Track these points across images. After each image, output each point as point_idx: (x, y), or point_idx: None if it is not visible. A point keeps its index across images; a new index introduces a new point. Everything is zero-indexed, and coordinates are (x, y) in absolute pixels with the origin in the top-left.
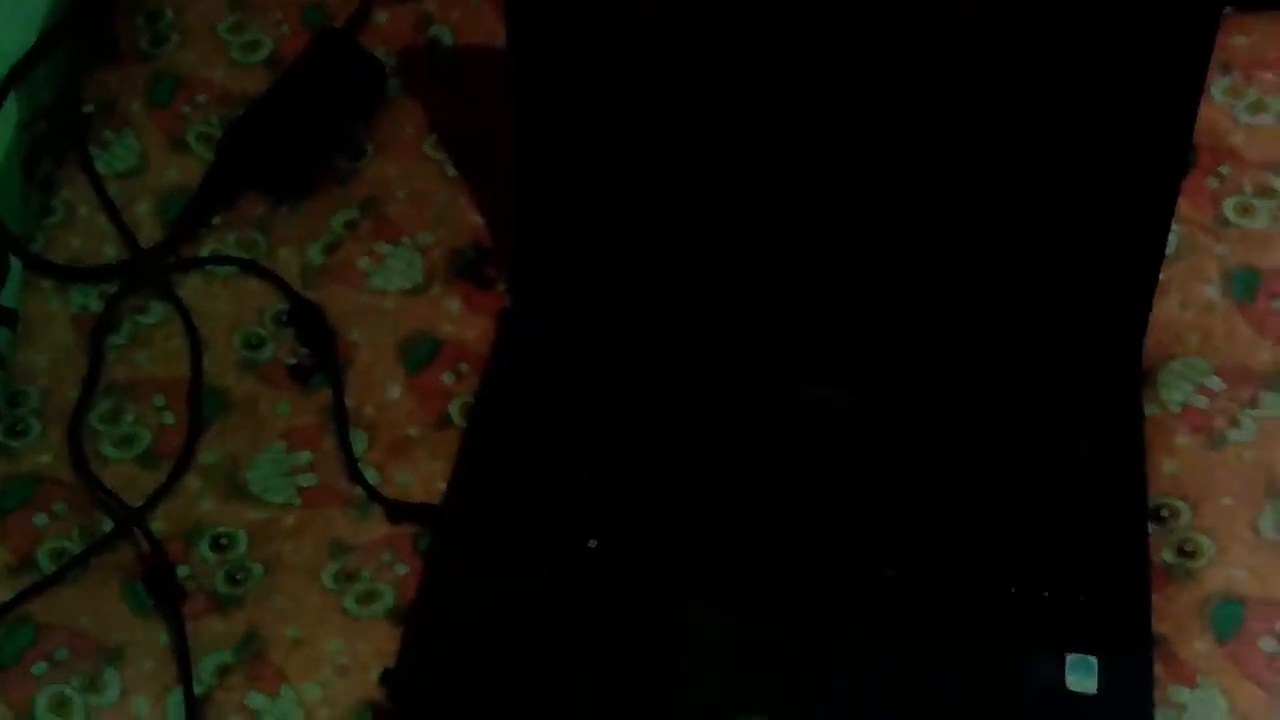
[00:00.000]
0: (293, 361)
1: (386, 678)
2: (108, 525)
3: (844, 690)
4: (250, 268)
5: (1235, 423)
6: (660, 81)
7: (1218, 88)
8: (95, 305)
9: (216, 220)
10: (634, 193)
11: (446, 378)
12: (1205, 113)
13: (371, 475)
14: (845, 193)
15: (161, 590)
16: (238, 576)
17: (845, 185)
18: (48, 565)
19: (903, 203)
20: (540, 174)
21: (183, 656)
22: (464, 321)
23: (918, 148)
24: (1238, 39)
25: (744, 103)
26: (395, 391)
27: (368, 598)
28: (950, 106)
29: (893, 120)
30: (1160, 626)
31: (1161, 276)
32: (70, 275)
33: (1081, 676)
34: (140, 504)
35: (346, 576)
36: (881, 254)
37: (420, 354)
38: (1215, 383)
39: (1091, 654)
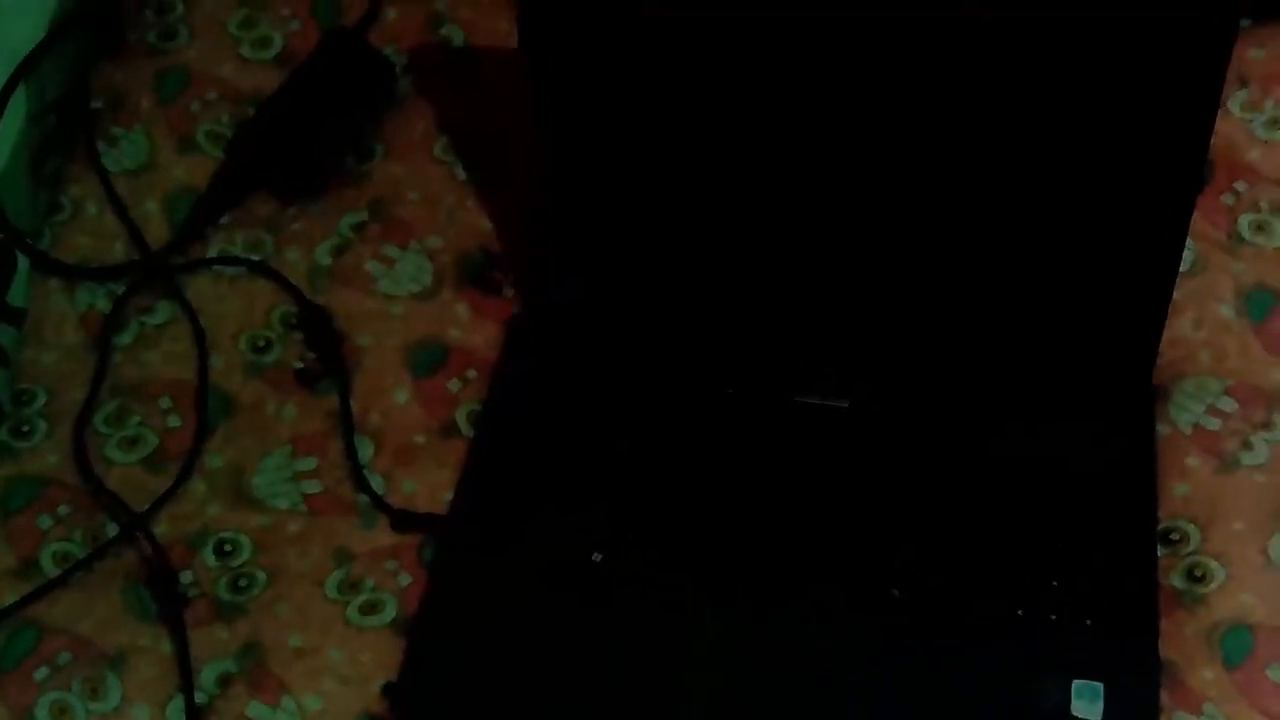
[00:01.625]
0: (300, 365)
1: (389, 690)
2: (112, 529)
3: (848, 706)
4: (258, 269)
5: (1247, 445)
6: (670, 81)
7: (1235, 102)
8: (103, 305)
9: (224, 220)
10: (645, 196)
11: (453, 384)
12: (1222, 127)
13: (377, 483)
14: (856, 203)
15: (164, 597)
16: (241, 583)
17: (857, 196)
18: (51, 568)
19: (913, 217)
20: (554, 181)
21: (184, 664)
22: (472, 327)
23: (929, 157)
24: (1255, 52)
25: (762, 101)
26: (402, 397)
27: (371, 608)
28: (964, 120)
29: (907, 132)
30: (1168, 652)
31: (1175, 294)
32: (78, 274)
33: (1087, 702)
34: (145, 508)
35: (350, 586)
36: (888, 273)
37: (428, 360)
38: (1228, 404)
39: (1098, 679)
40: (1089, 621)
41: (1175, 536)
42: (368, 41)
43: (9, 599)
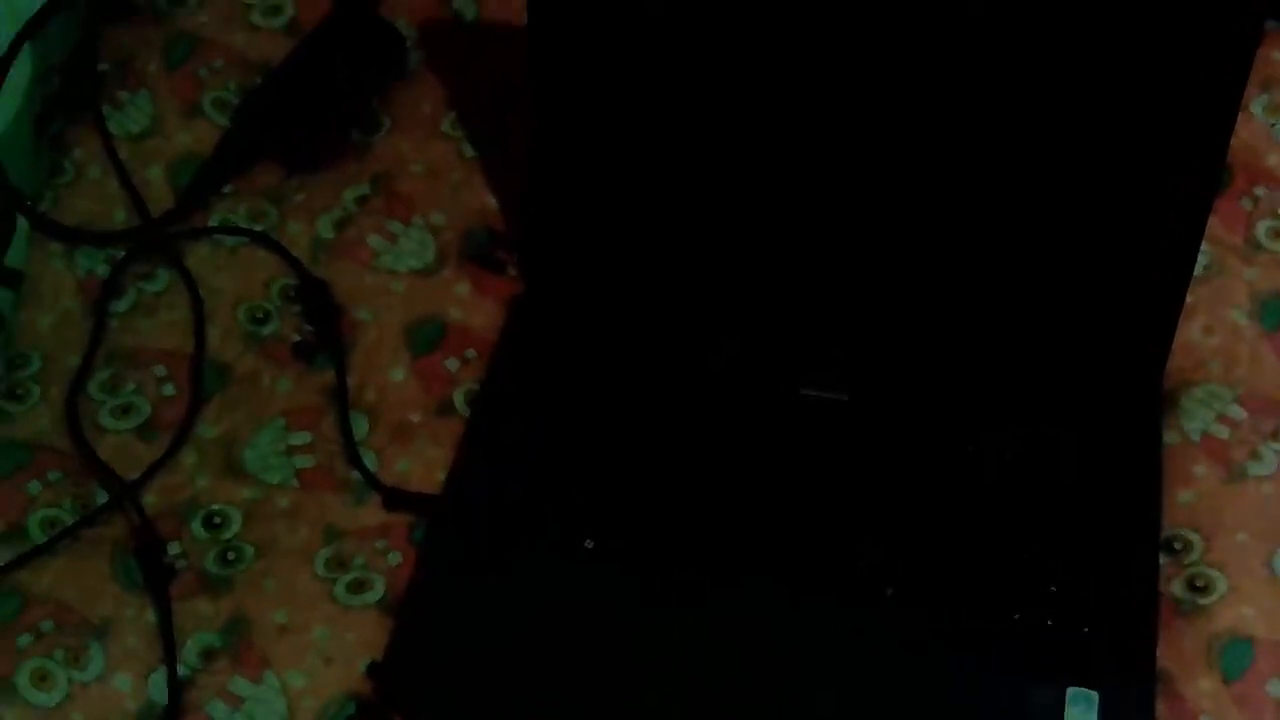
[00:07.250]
0: (297, 339)
1: (374, 670)
2: (102, 497)
3: (839, 704)
4: (259, 239)
5: (1256, 455)
6: (678, 77)
7: (1257, 104)
8: (101, 270)
9: (228, 189)
10: (649, 187)
11: (451, 363)
12: (1242, 131)
13: (370, 460)
14: (865, 197)
15: (151, 567)
16: (229, 557)
17: (866, 189)
18: (38, 535)
19: (924, 208)
20: (557, 163)
21: (168, 637)
22: (473, 306)
23: (939, 153)
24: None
25: (761, 97)
26: (399, 374)
27: (359, 586)
28: (980, 116)
29: (913, 120)
30: (1165, 662)
31: (1188, 299)
32: (77, 238)
33: (1081, 710)
34: (135, 477)
35: (339, 563)
36: (900, 262)
37: (426, 337)
38: (1237, 412)
39: (1093, 688)
40: (1086, 628)
41: (1178, 545)
42: (379, 13)
43: None
